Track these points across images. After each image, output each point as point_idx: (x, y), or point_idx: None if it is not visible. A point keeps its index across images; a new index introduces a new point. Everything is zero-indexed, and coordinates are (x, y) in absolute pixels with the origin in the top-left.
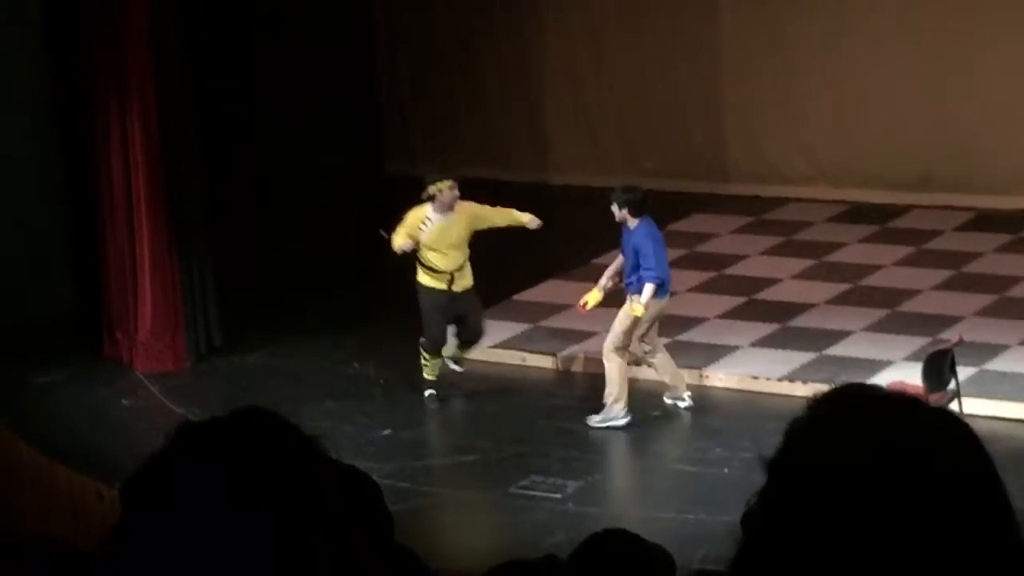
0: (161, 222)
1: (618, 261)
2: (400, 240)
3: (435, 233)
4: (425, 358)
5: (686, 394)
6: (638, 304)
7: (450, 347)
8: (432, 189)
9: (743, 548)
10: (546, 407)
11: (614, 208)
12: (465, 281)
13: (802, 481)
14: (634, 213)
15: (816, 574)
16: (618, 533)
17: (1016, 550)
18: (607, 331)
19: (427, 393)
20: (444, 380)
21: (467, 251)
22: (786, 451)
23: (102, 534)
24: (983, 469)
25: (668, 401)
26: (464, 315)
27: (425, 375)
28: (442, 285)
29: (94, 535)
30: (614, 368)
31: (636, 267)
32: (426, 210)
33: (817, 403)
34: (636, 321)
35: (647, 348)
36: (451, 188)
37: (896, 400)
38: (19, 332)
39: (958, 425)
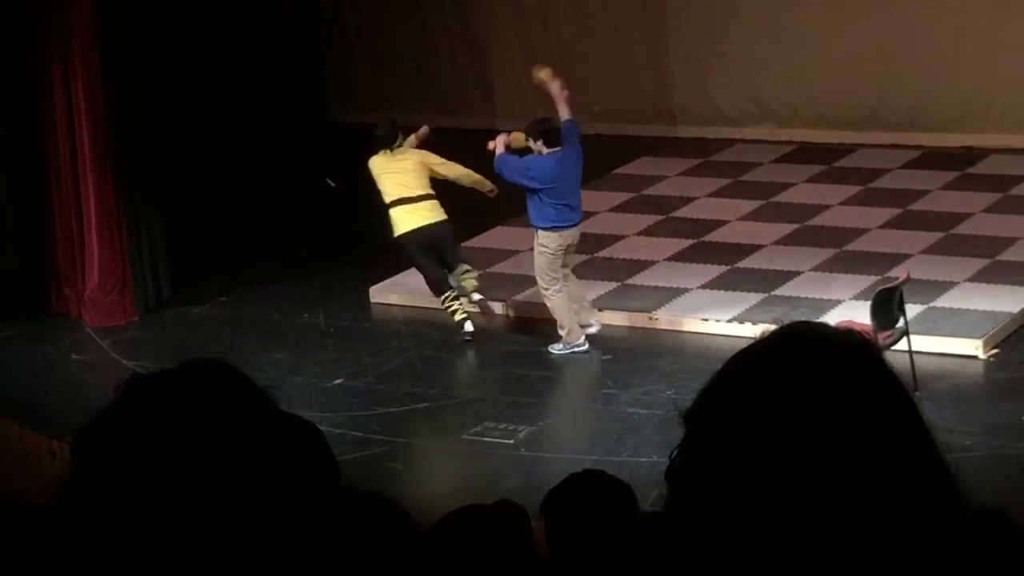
0: (107, 175)
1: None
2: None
3: None
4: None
5: (593, 323)
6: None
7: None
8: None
9: (669, 501)
10: (497, 353)
11: (529, 142)
12: None
13: (716, 434)
14: (550, 143)
15: (738, 524)
16: (591, 473)
17: (941, 493)
18: None
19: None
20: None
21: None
22: (699, 403)
23: (53, 491)
24: (908, 414)
25: (555, 351)
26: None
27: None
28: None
29: (46, 492)
30: (553, 303)
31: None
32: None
33: (740, 353)
34: (549, 256)
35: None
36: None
37: (814, 344)
38: None
39: (878, 367)
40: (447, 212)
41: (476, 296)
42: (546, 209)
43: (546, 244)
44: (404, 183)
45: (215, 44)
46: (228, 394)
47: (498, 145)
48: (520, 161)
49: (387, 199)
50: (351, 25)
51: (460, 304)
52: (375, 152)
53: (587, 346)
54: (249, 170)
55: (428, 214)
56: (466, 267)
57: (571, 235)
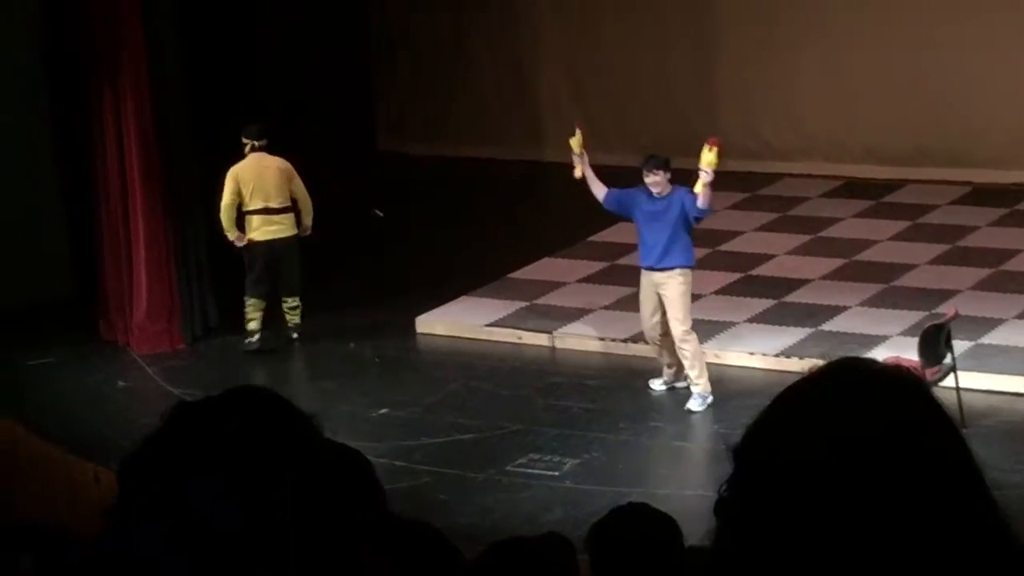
0: (156, 203)
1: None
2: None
3: None
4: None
5: (691, 378)
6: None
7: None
8: (263, 141)
9: (718, 537)
10: (542, 385)
11: (658, 176)
12: None
13: (766, 469)
14: (672, 180)
15: (789, 562)
16: (636, 506)
17: (990, 531)
18: (603, 308)
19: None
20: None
21: None
22: (748, 439)
23: (99, 516)
24: (957, 451)
25: (658, 388)
26: None
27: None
28: None
29: (91, 518)
30: (696, 348)
31: (671, 239)
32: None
33: (789, 389)
34: (688, 294)
35: (664, 330)
36: None
37: (862, 380)
38: (15, 314)
39: (928, 404)
40: (498, 240)
41: (294, 335)
42: (689, 243)
43: (690, 281)
44: (267, 192)
45: (265, 72)
46: (274, 421)
47: (585, 169)
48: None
49: (249, 206)
50: (400, 55)
51: (260, 316)
52: (243, 146)
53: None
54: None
55: (283, 228)
56: (295, 302)
57: None
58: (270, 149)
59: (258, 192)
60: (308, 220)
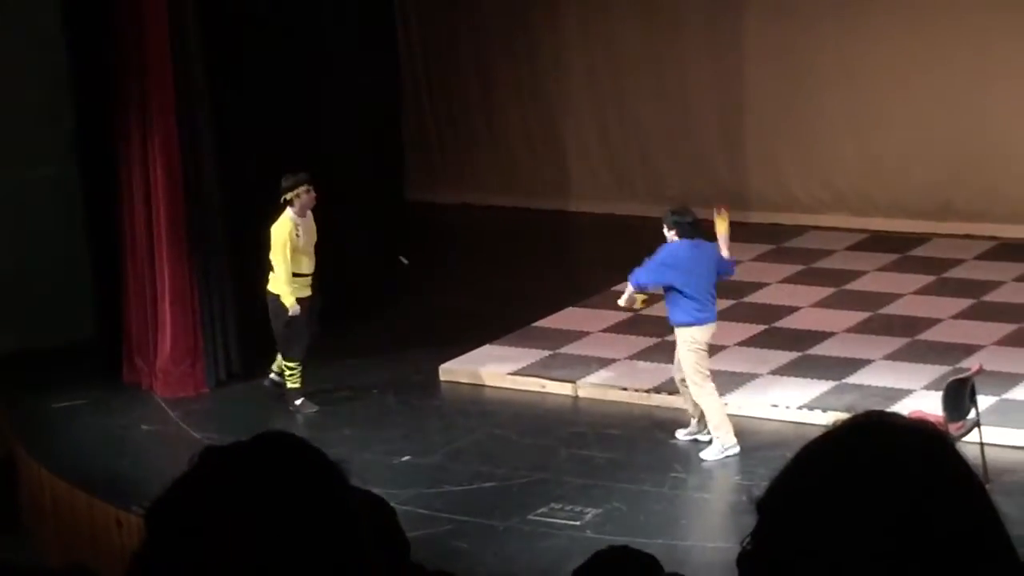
0: (181, 248)
1: None
2: (292, 301)
3: (304, 236)
4: (292, 368)
5: (707, 434)
6: (624, 297)
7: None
8: (291, 195)
9: None
10: (565, 435)
11: (664, 229)
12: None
13: (789, 523)
14: (682, 235)
15: None
16: (617, 549)
17: None
18: (627, 358)
19: (300, 401)
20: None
21: None
22: (772, 493)
23: (123, 561)
24: (981, 506)
25: (683, 438)
26: (314, 319)
27: (295, 385)
28: (307, 291)
29: (112, 563)
30: (709, 402)
31: (668, 297)
32: (289, 216)
33: (814, 442)
34: (701, 352)
35: (682, 376)
36: (308, 191)
37: (886, 435)
38: (40, 357)
39: (952, 459)
40: (523, 289)
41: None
42: (688, 304)
43: (697, 338)
44: (310, 263)
45: (294, 121)
46: (302, 468)
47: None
48: (652, 258)
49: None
50: (429, 105)
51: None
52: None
53: (737, 448)
54: (323, 247)
55: (269, 283)
56: (282, 364)
57: (712, 329)
58: (319, 201)
59: None
60: (277, 290)
